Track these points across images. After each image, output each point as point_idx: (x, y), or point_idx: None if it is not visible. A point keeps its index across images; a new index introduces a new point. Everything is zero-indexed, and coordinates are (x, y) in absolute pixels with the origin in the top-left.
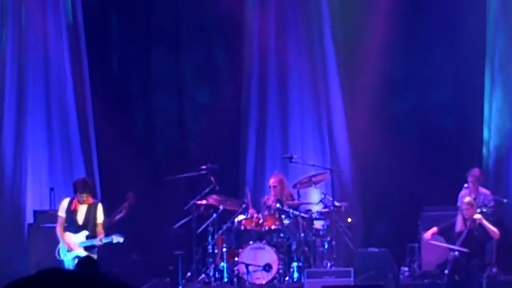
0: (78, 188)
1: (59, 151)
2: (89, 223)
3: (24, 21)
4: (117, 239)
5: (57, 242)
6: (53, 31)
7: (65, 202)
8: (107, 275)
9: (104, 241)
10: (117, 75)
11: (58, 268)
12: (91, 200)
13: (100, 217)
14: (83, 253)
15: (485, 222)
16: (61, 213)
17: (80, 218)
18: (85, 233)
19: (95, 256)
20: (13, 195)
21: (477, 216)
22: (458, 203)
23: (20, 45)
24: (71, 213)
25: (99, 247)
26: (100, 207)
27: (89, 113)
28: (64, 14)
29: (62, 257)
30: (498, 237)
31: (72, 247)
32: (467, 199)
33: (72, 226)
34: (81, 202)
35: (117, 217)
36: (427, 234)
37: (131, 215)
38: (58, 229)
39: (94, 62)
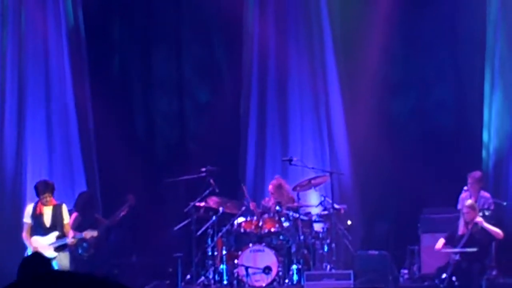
0: (40, 190)
1: (60, 152)
2: (57, 224)
3: (24, 23)
4: (90, 233)
5: None
6: (54, 32)
7: (29, 208)
8: (107, 277)
9: (77, 237)
10: (118, 76)
11: (52, 271)
12: (54, 201)
13: (66, 217)
14: (52, 254)
15: (486, 225)
16: (26, 219)
17: (47, 220)
18: (55, 234)
19: (67, 255)
20: (13, 196)
21: (479, 219)
22: (459, 206)
23: (20, 47)
24: (37, 217)
25: (71, 245)
26: (65, 207)
27: (89, 114)
28: (64, 15)
29: None
30: (502, 237)
31: (41, 250)
32: (469, 202)
33: (40, 229)
34: (44, 204)
35: (117, 218)
36: (439, 246)
37: (131, 217)
38: (24, 235)
39: (95, 62)
